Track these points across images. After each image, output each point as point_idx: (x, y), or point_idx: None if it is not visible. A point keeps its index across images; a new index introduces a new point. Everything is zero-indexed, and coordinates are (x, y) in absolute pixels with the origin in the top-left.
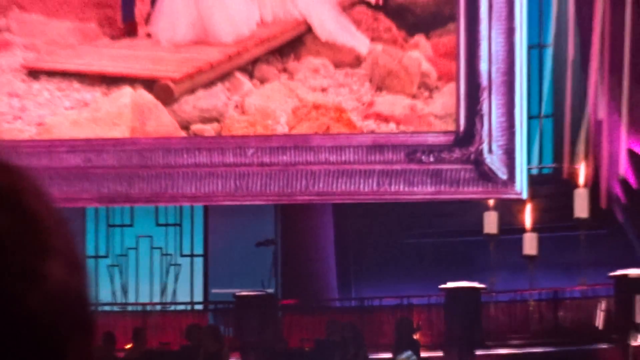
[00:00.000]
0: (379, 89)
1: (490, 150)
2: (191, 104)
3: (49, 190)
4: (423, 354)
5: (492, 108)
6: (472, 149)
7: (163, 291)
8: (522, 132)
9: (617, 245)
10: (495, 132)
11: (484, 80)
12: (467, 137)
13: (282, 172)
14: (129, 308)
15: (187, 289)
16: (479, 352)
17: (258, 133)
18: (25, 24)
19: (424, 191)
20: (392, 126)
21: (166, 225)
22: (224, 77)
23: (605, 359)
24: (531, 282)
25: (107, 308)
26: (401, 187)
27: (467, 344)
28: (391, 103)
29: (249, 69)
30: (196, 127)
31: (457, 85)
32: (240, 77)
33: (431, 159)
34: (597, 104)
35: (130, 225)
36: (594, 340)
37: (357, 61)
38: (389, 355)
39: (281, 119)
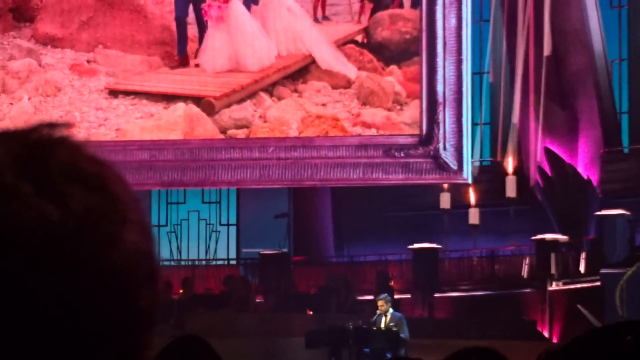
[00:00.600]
0: (364, 104)
1: (444, 148)
2: (227, 115)
3: (125, 177)
4: (396, 296)
5: (446, 118)
6: (432, 147)
7: (207, 251)
8: (467, 135)
9: (537, 217)
10: (448, 135)
11: (440, 98)
12: (428, 138)
13: (293, 164)
14: (182, 263)
15: (225, 249)
16: (436, 295)
17: (276, 136)
18: (107, 57)
19: (397, 178)
20: (373, 131)
21: (209, 202)
22: (251, 95)
23: (529, 300)
24: (474, 244)
25: (166, 263)
26: (380, 175)
27: (428, 289)
28: (373, 114)
29: (269, 90)
30: (231, 132)
31: (420, 101)
32: (263, 95)
33: (402, 154)
34: (521, 115)
35: (183, 203)
36: (521, 287)
37: (348, 84)
38: (371, 297)
39: (293, 125)
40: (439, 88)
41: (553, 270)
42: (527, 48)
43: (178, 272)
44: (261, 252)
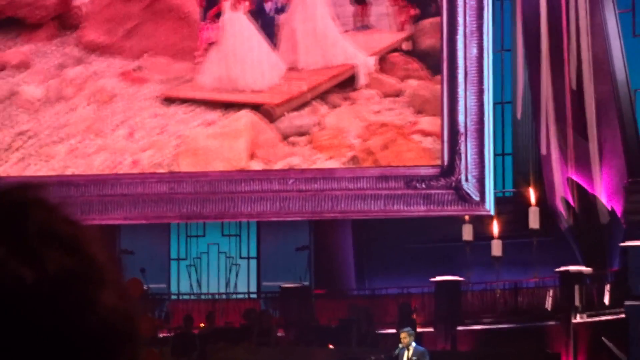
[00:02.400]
0: (419, 112)
1: (466, 179)
2: (288, 123)
3: (141, 211)
4: (418, 330)
5: (468, 148)
6: (453, 178)
7: (227, 284)
8: (489, 166)
9: (560, 248)
10: (470, 166)
11: (461, 128)
12: (449, 169)
13: (314, 196)
14: (202, 297)
15: (245, 283)
16: (459, 328)
17: (337, 145)
18: (154, 65)
19: (418, 210)
20: (429, 139)
21: (229, 235)
22: (306, 103)
23: (553, 333)
24: (497, 276)
25: (186, 297)
26: (402, 206)
27: (451, 322)
28: (429, 122)
29: (322, 98)
30: (293, 139)
31: (441, 132)
32: (317, 104)
33: (423, 186)
34: (545, 145)
35: (203, 236)
36: (544, 319)
37: (397, 92)
38: (393, 330)
39: (351, 133)
40: (460, 118)
41: (577, 303)
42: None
43: (198, 305)
44: (282, 286)
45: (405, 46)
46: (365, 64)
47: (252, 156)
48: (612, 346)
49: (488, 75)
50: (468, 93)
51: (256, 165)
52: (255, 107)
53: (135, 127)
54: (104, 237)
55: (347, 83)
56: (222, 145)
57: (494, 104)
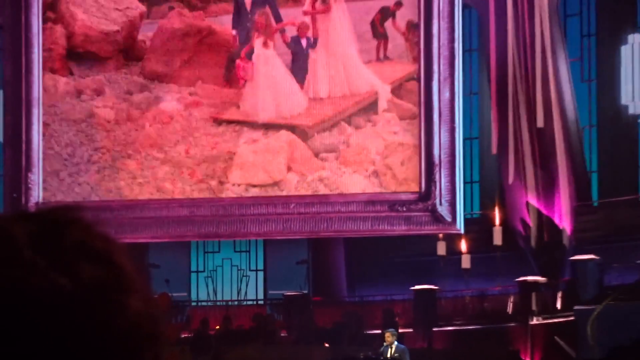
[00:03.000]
0: None
1: (440, 204)
2: (319, 141)
3: (166, 231)
4: (400, 330)
5: (442, 177)
6: (429, 203)
7: (238, 292)
8: (460, 192)
9: (519, 262)
10: (443, 192)
11: (436, 160)
12: (426, 195)
13: (312, 218)
14: (217, 303)
15: (254, 291)
16: (435, 329)
17: (360, 161)
18: (206, 91)
19: (400, 229)
20: None
21: (240, 251)
22: (335, 124)
23: (513, 333)
24: (467, 285)
25: (203, 304)
26: (386, 226)
27: (428, 324)
28: None
29: (348, 120)
30: (323, 155)
31: (419, 163)
32: (344, 124)
33: (404, 209)
34: (505, 175)
35: (218, 252)
36: (506, 321)
37: (413, 115)
38: (379, 331)
39: (373, 150)
40: (435, 152)
41: (534, 307)
42: (509, 116)
43: (214, 311)
44: (285, 294)
45: (418, 75)
46: (384, 91)
47: (289, 169)
48: (563, 344)
49: (459, 115)
50: (442, 130)
51: (292, 177)
52: (292, 128)
53: (191, 144)
54: (135, 253)
55: (369, 107)
56: (264, 160)
57: (464, 139)
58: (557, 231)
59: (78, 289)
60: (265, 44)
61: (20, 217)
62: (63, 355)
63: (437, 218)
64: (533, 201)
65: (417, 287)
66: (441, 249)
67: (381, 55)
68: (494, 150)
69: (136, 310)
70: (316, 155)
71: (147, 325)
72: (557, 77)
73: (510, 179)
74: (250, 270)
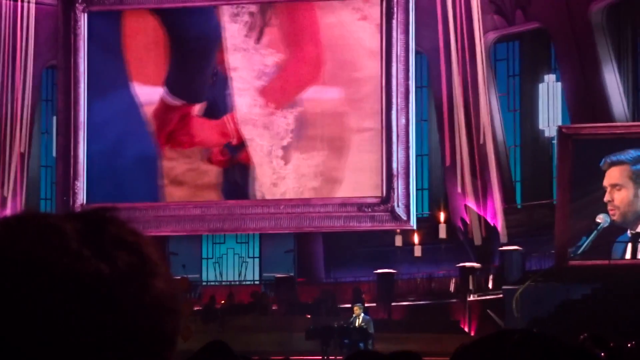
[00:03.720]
0: None
1: (398, 206)
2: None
3: (183, 226)
4: (366, 304)
5: (399, 185)
6: (389, 205)
7: (239, 275)
8: (413, 197)
9: (460, 251)
10: (400, 197)
11: (395, 172)
12: (387, 199)
13: (297, 216)
14: (223, 283)
15: (252, 274)
16: (393, 304)
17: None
18: None
19: (366, 225)
20: None
21: (241, 242)
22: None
23: (455, 307)
24: (418, 269)
25: (212, 283)
26: (355, 223)
27: (387, 300)
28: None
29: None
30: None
31: (381, 174)
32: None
33: (369, 210)
34: (449, 183)
35: (223, 243)
36: (449, 298)
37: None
38: (349, 305)
39: None
40: (394, 165)
41: (471, 287)
42: (451, 137)
43: (220, 289)
44: (276, 276)
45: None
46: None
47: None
48: (494, 316)
49: (412, 137)
50: (399, 149)
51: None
52: None
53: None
54: (158, 244)
55: None
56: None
57: (416, 156)
58: (489, 227)
59: (114, 273)
60: None
61: (69, 217)
62: (101, 326)
63: (395, 217)
64: (470, 204)
65: (379, 271)
66: (398, 241)
67: None
68: (447, 163)
69: (159, 290)
70: None
71: (168, 302)
72: (489, 108)
73: (453, 187)
74: (248, 257)
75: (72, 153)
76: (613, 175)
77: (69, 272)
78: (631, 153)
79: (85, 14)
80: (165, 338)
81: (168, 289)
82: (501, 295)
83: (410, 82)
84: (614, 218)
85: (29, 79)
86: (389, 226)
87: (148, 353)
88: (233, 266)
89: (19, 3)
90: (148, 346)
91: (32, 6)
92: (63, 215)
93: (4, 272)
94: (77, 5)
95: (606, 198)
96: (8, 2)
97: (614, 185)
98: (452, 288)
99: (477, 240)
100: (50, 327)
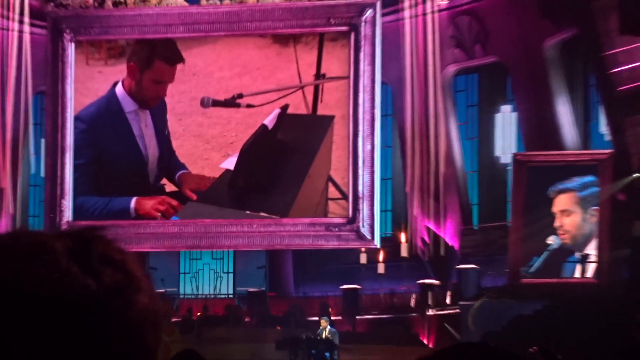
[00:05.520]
0: None
1: (363, 226)
2: None
3: (162, 243)
4: (332, 318)
5: (364, 207)
6: (355, 225)
7: (214, 289)
8: (377, 218)
9: (420, 269)
10: (365, 218)
11: (360, 195)
12: (353, 220)
13: (269, 235)
14: (199, 296)
15: (226, 288)
16: (357, 317)
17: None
18: None
19: (333, 244)
20: None
21: (216, 258)
22: None
23: (415, 321)
24: (381, 285)
25: (189, 296)
26: (323, 242)
27: (352, 313)
28: None
29: None
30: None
31: (348, 197)
32: None
33: (337, 230)
34: (410, 205)
35: (200, 259)
36: (410, 312)
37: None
38: (316, 318)
39: None
40: (360, 188)
41: (430, 302)
42: (414, 163)
43: (196, 302)
44: (249, 290)
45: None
46: None
47: None
48: (451, 329)
49: (377, 162)
50: (364, 173)
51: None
52: None
53: None
54: (139, 259)
55: None
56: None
57: (381, 179)
58: (448, 247)
59: (101, 289)
60: None
61: (59, 235)
62: (88, 338)
63: (360, 236)
64: (430, 225)
65: (345, 286)
66: (363, 259)
67: None
68: (409, 187)
69: (143, 305)
70: None
71: (151, 316)
72: (449, 136)
73: (414, 209)
74: (223, 272)
75: (59, 173)
76: (561, 202)
77: (58, 287)
78: (577, 180)
79: (73, 44)
80: (147, 350)
81: (151, 304)
82: (458, 310)
83: (375, 110)
84: (565, 241)
85: (24, 103)
86: (354, 245)
87: None
88: (209, 280)
89: (10, 32)
90: (131, 358)
91: (25, 35)
92: (53, 234)
93: None
94: (64, 35)
95: (556, 223)
96: (2, 32)
97: (563, 211)
98: (412, 303)
99: (436, 259)
100: (39, 338)
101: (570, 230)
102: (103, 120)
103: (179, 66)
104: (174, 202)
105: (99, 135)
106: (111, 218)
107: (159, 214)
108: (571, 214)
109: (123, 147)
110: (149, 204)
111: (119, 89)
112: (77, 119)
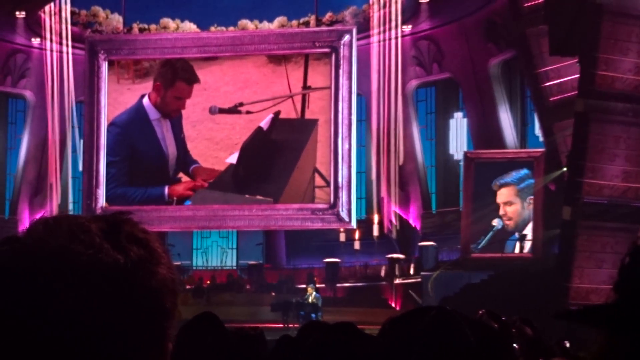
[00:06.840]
0: None
1: (342, 210)
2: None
3: (178, 224)
4: (317, 285)
5: (343, 195)
6: (336, 210)
7: (221, 261)
8: (354, 204)
9: (389, 246)
10: (344, 204)
11: (340, 185)
12: (334, 205)
13: (265, 218)
14: (208, 268)
15: (230, 261)
16: (337, 285)
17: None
18: None
19: (317, 225)
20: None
21: (222, 237)
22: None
23: (385, 289)
24: (357, 259)
25: (200, 268)
26: (309, 223)
27: (333, 282)
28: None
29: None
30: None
31: (331, 186)
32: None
33: (321, 213)
34: (382, 192)
35: (209, 237)
36: (381, 281)
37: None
38: (304, 285)
39: None
40: (340, 180)
41: (397, 273)
42: (383, 159)
43: (206, 273)
44: (249, 263)
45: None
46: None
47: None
48: (414, 295)
49: (353, 158)
50: (343, 167)
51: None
52: None
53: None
54: (159, 237)
55: None
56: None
57: (357, 172)
58: (411, 228)
59: (128, 262)
60: None
61: (94, 218)
62: (118, 302)
63: (340, 219)
64: (397, 209)
65: (327, 260)
66: (342, 237)
67: None
68: (380, 178)
69: (163, 275)
70: None
71: (169, 284)
72: (412, 137)
73: (383, 196)
74: (228, 248)
75: (94, 167)
76: (504, 195)
77: (93, 261)
78: (514, 175)
79: (106, 62)
80: (165, 312)
81: (169, 274)
82: (419, 280)
83: (352, 117)
84: (509, 226)
85: (67, 111)
86: (335, 226)
87: (152, 323)
88: (216, 255)
89: (57, 54)
90: (152, 318)
91: (68, 55)
92: (89, 217)
93: (45, 259)
94: (99, 55)
95: (500, 212)
96: (51, 53)
97: (506, 203)
98: (382, 273)
99: (402, 237)
100: (78, 302)
101: (513, 217)
102: (133, 125)
103: (195, 85)
104: (199, 183)
105: (131, 137)
106: (149, 203)
107: (193, 192)
108: (512, 204)
109: (149, 147)
110: (179, 189)
111: (145, 101)
112: (112, 124)
